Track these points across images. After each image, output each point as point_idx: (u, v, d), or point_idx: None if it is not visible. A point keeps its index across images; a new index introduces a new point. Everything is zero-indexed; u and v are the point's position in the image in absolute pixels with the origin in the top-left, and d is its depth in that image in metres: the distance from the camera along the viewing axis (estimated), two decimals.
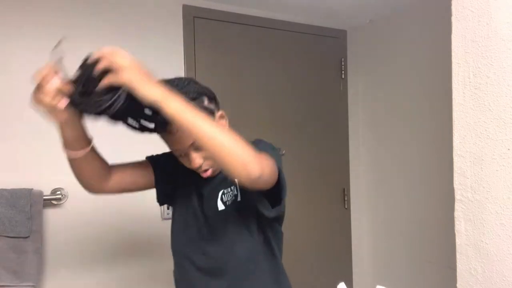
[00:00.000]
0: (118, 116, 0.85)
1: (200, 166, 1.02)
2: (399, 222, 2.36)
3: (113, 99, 0.80)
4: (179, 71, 2.07)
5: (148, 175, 1.16)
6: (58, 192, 1.80)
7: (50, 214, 1.79)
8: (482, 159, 1.04)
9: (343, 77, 2.54)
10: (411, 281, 2.27)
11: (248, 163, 0.84)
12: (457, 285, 1.11)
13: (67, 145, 0.96)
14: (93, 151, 1.02)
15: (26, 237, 1.66)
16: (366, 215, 2.59)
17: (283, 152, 2.31)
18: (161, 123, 0.89)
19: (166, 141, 1.05)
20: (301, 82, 2.39)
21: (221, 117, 1.10)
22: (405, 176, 2.31)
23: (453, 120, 1.11)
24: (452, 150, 1.12)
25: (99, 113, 0.83)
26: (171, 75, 2.14)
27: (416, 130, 2.23)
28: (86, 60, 0.85)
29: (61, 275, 1.79)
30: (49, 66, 0.86)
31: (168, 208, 1.97)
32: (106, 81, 0.81)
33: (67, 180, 1.82)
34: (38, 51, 1.79)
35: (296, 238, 2.36)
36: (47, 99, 0.85)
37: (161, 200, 1.23)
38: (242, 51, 2.23)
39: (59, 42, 0.85)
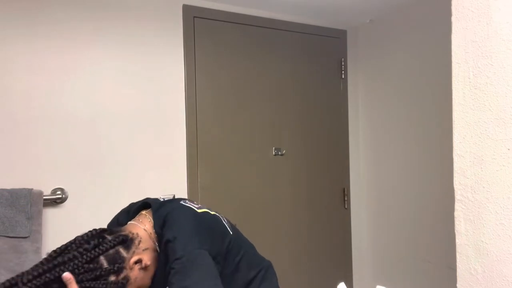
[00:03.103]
0: None
1: None
2: (399, 222, 2.36)
3: None
4: (179, 71, 2.07)
5: None
6: (58, 192, 1.80)
7: (50, 214, 1.79)
8: (482, 159, 1.04)
9: (343, 77, 2.54)
10: (411, 281, 2.27)
11: None
12: (457, 285, 1.11)
13: None
14: None
15: (26, 237, 1.66)
16: (366, 215, 2.59)
17: (284, 151, 2.32)
18: None
19: None
20: (301, 82, 2.39)
21: (136, 262, 1.00)
22: (405, 176, 2.31)
23: (453, 120, 1.11)
24: (452, 150, 1.12)
25: None
26: (171, 75, 2.16)
27: (416, 130, 2.23)
28: None
29: None
30: None
31: None
32: None
33: (67, 180, 1.84)
34: (38, 53, 1.79)
35: (296, 238, 2.36)
36: None
37: None
38: (242, 51, 2.23)
39: None
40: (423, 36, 2.17)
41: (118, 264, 0.95)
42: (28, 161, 1.76)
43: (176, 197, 2.04)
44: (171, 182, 2.04)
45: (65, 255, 0.91)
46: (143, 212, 1.12)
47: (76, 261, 0.90)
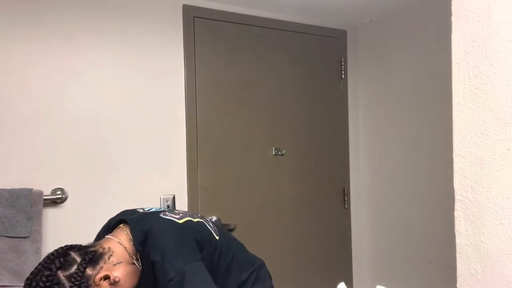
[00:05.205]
0: None
1: None
2: (399, 222, 2.36)
3: None
4: (179, 71, 2.07)
5: None
6: (58, 192, 1.80)
7: (50, 214, 1.79)
8: (482, 159, 1.04)
9: (343, 77, 2.54)
10: (411, 281, 2.27)
11: None
12: (457, 285, 1.11)
13: None
14: None
15: (26, 237, 1.66)
16: (366, 215, 2.59)
17: (284, 151, 2.32)
18: None
19: None
20: (301, 82, 2.39)
21: (105, 278, 1.00)
22: (405, 176, 2.31)
23: (453, 120, 1.11)
24: (452, 150, 1.12)
25: None
26: (171, 75, 2.15)
27: (416, 130, 2.23)
28: None
29: None
30: None
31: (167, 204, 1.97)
32: None
33: (67, 180, 1.83)
34: (38, 53, 1.79)
35: (296, 238, 2.36)
36: None
37: None
38: (242, 51, 2.23)
39: None
40: (423, 36, 2.17)
41: (80, 283, 0.95)
42: (28, 161, 1.76)
43: (176, 197, 2.05)
44: (171, 182, 2.04)
45: (31, 283, 0.93)
46: (121, 225, 1.12)
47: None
